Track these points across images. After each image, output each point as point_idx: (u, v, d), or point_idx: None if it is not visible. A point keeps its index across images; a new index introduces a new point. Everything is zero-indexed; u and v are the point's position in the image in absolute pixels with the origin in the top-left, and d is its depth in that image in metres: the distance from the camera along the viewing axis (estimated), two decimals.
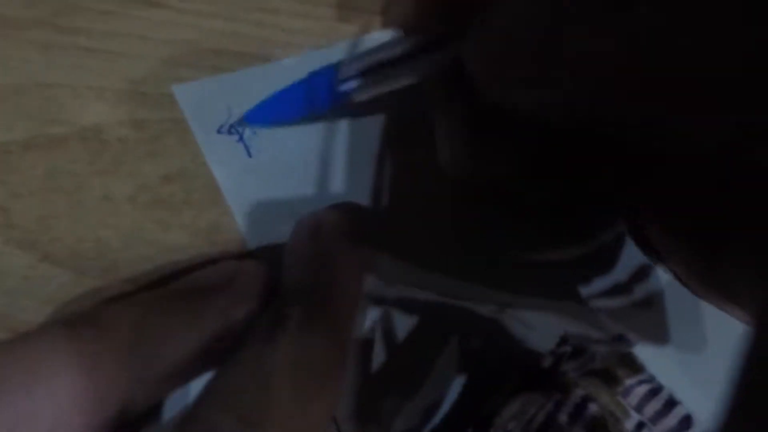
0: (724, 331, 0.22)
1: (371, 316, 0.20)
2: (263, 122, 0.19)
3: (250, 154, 0.19)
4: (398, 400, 0.19)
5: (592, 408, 0.14)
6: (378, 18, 0.23)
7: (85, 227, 0.17)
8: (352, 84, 0.18)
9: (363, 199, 0.20)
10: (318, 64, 0.21)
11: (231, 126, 0.19)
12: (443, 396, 0.19)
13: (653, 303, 0.22)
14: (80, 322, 0.13)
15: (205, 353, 0.14)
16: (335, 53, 0.21)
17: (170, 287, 0.15)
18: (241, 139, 0.19)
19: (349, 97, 0.18)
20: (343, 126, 0.20)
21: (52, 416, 0.11)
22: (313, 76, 0.19)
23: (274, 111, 0.19)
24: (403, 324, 0.20)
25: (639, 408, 0.15)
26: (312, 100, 0.19)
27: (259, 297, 0.16)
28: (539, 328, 0.19)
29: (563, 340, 0.16)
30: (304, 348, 0.13)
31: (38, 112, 0.17)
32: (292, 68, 0.20)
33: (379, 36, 0.22)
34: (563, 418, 0.14)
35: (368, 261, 0.17)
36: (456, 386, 0.19)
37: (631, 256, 0.23)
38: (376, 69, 0.18)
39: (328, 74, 0.19)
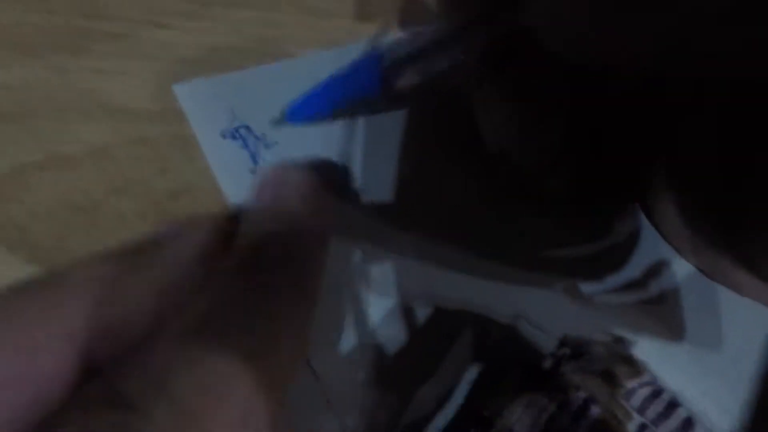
0: (741, 328, 0.21)
1: (386, 303, 0.20)
2: (306, 118, 0.19)
3: (255, 161, 0.19)
4: (412, 383, 0.19)
5: (595, 410, 0.14)
6: (393, 20, 0.23)
7: (99, 245, 0.17)
8: (398, 70, 0.18)
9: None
10: (323, 64, 0.20)
11: (235, 130, 0.19)
12: (456, 385, 0.19)
13: (668, 300, 0.21)
14: (31, 284, 0.13)
15: (165, 310, 0.14)
16: (341, 54, 0.21)
17: (122, 246, 0.15)
18: (245, 145, 0.19)
19: (395, 84, 0.18)
20: (357, 129, 0.20)
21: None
22: (356, 66, 0.19)
23: (316, 106, 0.19)
24: (419, 317, 0.20)
25: (641, 410, 0.15)
26: (355, 91, 0.19)
27: (220, 250, 0.15)
28: (555, 332, 0.19)
29: (563, 342, 0.16)
30: (257, 287, 0.13)
31: (53, 133, 0.18)
32: (295, 68, 0.20)
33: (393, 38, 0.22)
34: (566, 420, 0.14)
35: (333, 221, 0.17)
36: (463, 387, 0.19)
37: (646, 253, 0.22)
38: (419, 54, 0.18)
39: (372, 63, 0.18)
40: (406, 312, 0.19)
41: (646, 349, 0.16)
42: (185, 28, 0.20)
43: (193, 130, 0.19)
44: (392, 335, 0.19)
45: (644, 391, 0.15)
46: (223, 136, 0.19)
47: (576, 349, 0.16)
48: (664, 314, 0.21)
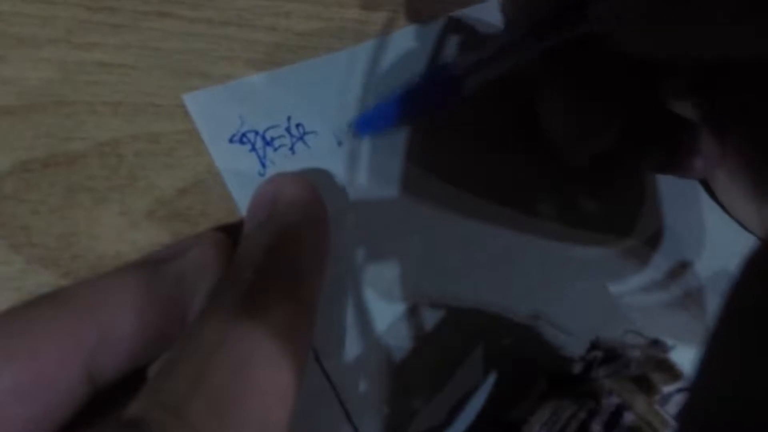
0: None
1: (398, 310, 0.19)
2: (374, 130, 0.20)
3: (263, 165, 0.19)
4: (423, 396, 0.18)
5: (628, 417, 0.14)
6: (401, 16, 0.23)
7: (104, 243, 0.17)
8: (469, 79, 0.19)
9: (381, 210, 0.20)
10: (328, 68, 0.20)
11: (243, 135, 0.19)
12: (469, 396, 0.19)
13: (692, 301, 0.21)
14: (38, 300, 0.13)
15: (167, 325, 0.14)
16: (348, 56, 0.21)
17: (127, 263, 0.15)
18: (253, 149, 0.19)
19: (466, 93, 0.19)
20: (364, 145, 0.20)
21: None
22: (427, 77, 0.20)
23: (386, 118, 0.20)
24: (432, 318, 0.19)
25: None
26: (426, 102, 0.19)
27: (221, 266, 0.15)
28: (577, 332, 0.18)
29: (594, 346, 0.16)
30: (257, 313, 0.13)
31: (56, 129, 0.17)
32: (301, 72, 0.20)
33: (401, 33, 0.22)
34: (597, 428, 0.14)
35: (329, 229, 0.17)
36: (483, 391, 0.18)
37: (668, 254, 0.22)
38: (489, 61, 0.18)
39: (443, 74, 0.19)
40: (416, 316, 0.19)
41: (684, 353, 0.16)
42: (190, 17, 0.20)
43: (203, 137, 0.18)
44: (400, 341, 0.19)
45: (681, 397, 0.15)
46: (231, 141, 0.18)
47: (609, 353, 0.15)
48: (689, 316, 0.20)
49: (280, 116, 0.19)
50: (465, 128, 0.22)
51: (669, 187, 0.24)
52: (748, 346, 0.09)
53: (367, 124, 0.20)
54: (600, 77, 0.19)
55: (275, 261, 0.14)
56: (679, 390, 0.15)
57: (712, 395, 0.09)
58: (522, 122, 0.22)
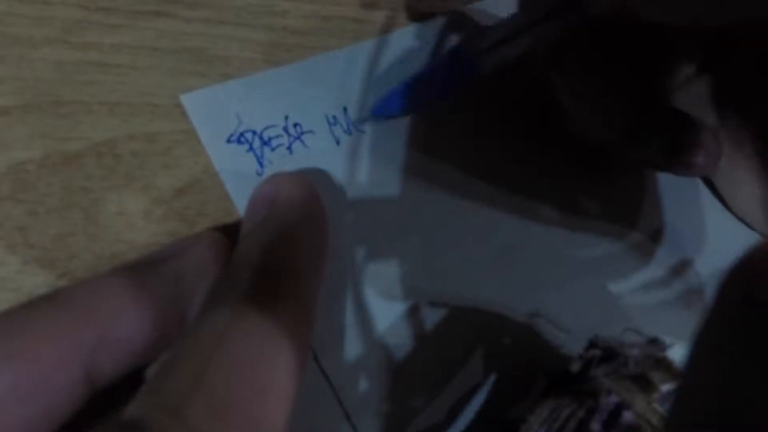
0: None
1: (398, 309, 0.19)
2: (391, 114, 0.20)
3: (261, 164, 0.19)
4: (423, 395, 0.18)
5: (627, 416, 0.14)
6: (400, 14, 0.23)
7: (101, 244, 0.17)
8: (485, 59, 0.18)
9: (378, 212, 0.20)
10: (327, 66, 0.20)
11: (241, 134, 0.19)
12: (469, 396, 0.19)
13: (693, 298, 0.21)
14: (37, 301, 0.13)
15: (166, 325, 0.14)
16: (347, 54, 0.21)
17: (125, 262, 0.15)
18: (251, 148, 0.19)
19: (483, 74, 0.19)
20: (363, 144, 0.20)
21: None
22: (444, 59, 0.19)
23: (403, 101, 0.19)
24: (432, 318, 0.19)
25: None
26: (442, 84, 0.19)
27: (219, 266, 0.15)
28: (576, 331, 0.18)
29: (592, 344, 0.16)
30: (256, 312, 0.13)
31: (53, 129, 0.17)
32: (299, 72, 0.20)
33: (400, 32, 0.22)
34: (596, 426, 0.14)
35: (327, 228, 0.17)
36: (483, 391, 0.18)
37: (669, 252, 0.22)
38: (507, 42, 0.18)
39: (459, 55, 0.19)
40: (416, 316, 0.19)
41: (683, 351, 0.16)
42: (186, 17, 0.20)
43: (201, 137, 0.18)
44: (400, 341, 0.19)
45: None
46: (229, 141, 0.18)
47: (607, 351, 0.15)
48: (689, 313, 0.20)
49: (277, 116, 0.19)
50: (466, 125, 0.22)
51: (670, 185, 0.24)
52: (737, 345, 0.09)
53: (383, 108, 0.20)
54: (614, 63, 0.19)
55: (274, 261, 0.14)
56: None
57: (699, 394, 0.09)
58: (523, 118, 0.22)
